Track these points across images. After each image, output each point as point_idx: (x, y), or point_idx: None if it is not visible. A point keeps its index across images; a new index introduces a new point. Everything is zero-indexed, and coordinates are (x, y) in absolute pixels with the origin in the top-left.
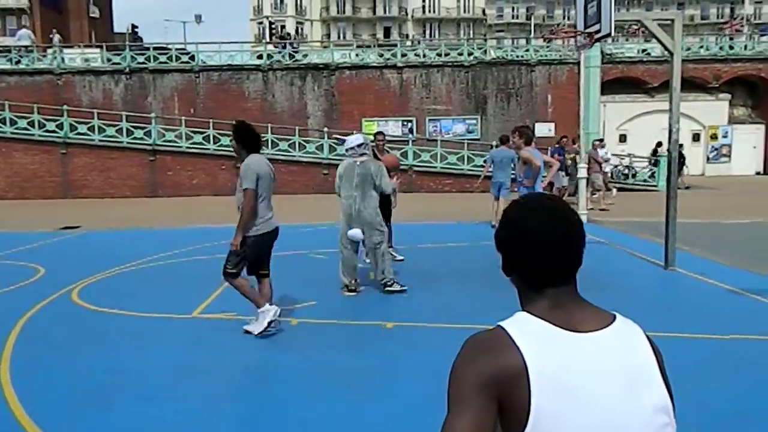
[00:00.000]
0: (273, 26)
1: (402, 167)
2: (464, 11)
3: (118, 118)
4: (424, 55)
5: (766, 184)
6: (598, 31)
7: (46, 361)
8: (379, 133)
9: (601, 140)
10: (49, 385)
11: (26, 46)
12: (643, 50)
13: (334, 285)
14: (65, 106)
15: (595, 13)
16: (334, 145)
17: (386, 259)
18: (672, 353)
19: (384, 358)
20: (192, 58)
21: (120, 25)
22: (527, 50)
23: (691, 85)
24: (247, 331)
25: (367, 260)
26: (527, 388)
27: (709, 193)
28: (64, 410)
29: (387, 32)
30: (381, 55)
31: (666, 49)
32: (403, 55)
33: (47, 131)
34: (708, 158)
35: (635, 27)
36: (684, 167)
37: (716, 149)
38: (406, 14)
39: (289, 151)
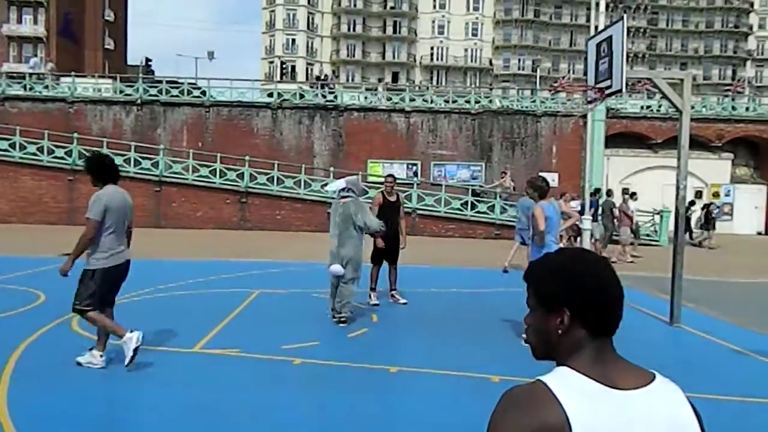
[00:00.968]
0: (284, 66)
1: (406, 210)
2: (471, 60)
3: (127, 147)
4: (432, 101)
5: (767, 245)
6: (609, 87)
7: (44, 391)
8: (390, 175)
9: (633, 194)
10: (46, 415)
11: (39, 73)
12: (647, 106)
13: (337, 325)
14: (75, 134)
15: (607, 69)
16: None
17: (350, 296)
18: None
19: (387, 404)
20: (203, 93)
21: (134, 58)
22: (533, 101)
23: (694, 143)
24: (78, 363)
25: (401, 300)
26: None
27: (712, 250)
28: None
29: (395, 77)
30: (389, 99)
31: (675, 107)
32: (411, 100)
33: (56, 157)
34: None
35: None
36: (713, 227)
37: (718, 207)
38: (415, 60)
39: (295, 189)
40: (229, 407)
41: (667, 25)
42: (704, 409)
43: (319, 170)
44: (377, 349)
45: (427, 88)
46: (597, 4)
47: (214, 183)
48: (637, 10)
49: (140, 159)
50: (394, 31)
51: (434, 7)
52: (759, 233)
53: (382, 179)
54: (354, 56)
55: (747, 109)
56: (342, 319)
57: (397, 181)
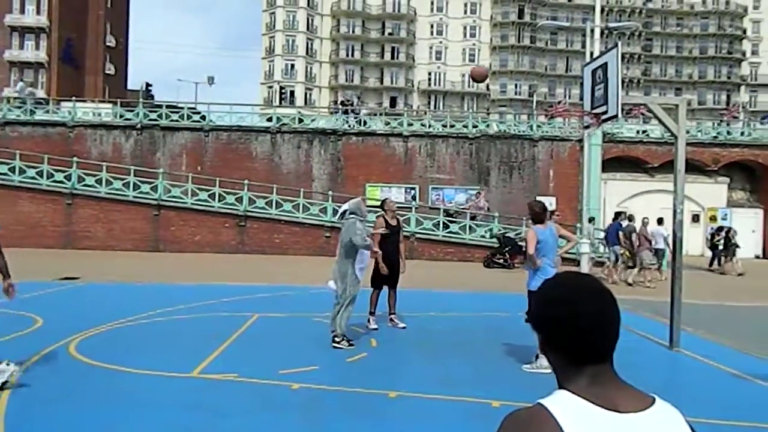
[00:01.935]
0: (283, 90)
1: (405, 234)
2: (468, 86)
3: (126, 171)
4: (430, 126)
5: (766, 268)
6: (605, 113)
7: (42, 416)
8: (386, 199)
9: (660, 220)
10: None
11: (34, 98)
12: (643, 131)
13: (336, 350)
14: (75, 158)
15: (602, 96)
16: (336, 208)
17: (342, 319)
18: None
19: (386, 429)
20: (203, 117)
21: (134, 83)
22: (530, 126)
23: (690, 167)
24: None
25: (400, 325)
26: None
27: (710, 274)
28: None
29: (393, 102)
30: (387, 123)
31: (670, 132)
32: (409, 125)
33: (55, 181)
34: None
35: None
36: (734, 253)
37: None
38: (413, 86)
39: (293, 213)
40: None
41: (662, 51)
42: None
43: (318, 194)
44: (376, 373)
45: (425, 113)
46: (592, 31)
47: (213, 207)
48: (631, 37)
49: (139, 183)
50: (392, 57)
51: (432, 33)
52: (757, 256)
53: (381, 203)
54: (352, 81)
55: (742, 133)
56: (335, 338)
57: (397, 204)
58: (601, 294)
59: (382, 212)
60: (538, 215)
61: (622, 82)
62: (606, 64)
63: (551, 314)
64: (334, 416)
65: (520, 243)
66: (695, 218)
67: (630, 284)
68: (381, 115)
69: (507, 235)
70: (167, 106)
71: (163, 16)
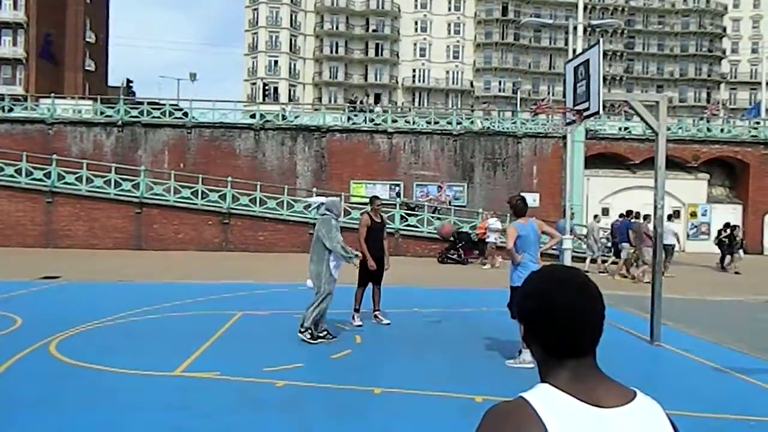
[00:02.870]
0: (266, 87)
1: (389, 231)
2: (453, 83)
3: (107, 169)
4: (414, 122)
5: (744, 263)
6: (587, 109)
7: (23, 417)
8: (375, 197)
9: (671, 216)
10: None
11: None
12: (625, 128)
13: (321, 347)
14: (54, 156)
15: (584, 92)
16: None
17: (314, 312)
18: None
19: (371, 426)
20: (185, 114)
21: (115, 79)
22: (514, 122)
23: (671, 163)
24: None
25: (384, 321)
26: None
27: (691, 269)
28: None
29: (377, 98)
30: (371, 120)
31: (651, 128)
32: (394, 121)
33: (34, 179)
34: (688, 235)
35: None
36: (740, 251)
37: (696, 226)
38: (397, 82)
39: (277, 210)
40: (212, 431)
41: (644, 49)
42: (683, 426)
43: (302, 191)
44: (361, 370)
45: (410, 110)
46: (575, 29)
47: (196, 204)
48: (614, 34)
49: (121, 180)
50: (377, 54)
51: (416, 30)
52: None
53: (367, 200)
54: (336, 78)
55: (722, 130)
56: (301, 331)
57: (383, 202)
58: (582, 288)
59: (369, 209)
60: (519, 210)
61: (605, 79)
62: (588, 61)
63: (531, 307)
64: (318, 413)
65: (474, 238)
66: (676, 214)
67: (633, 279)
68: (365, 111)
69: (461, 230)
70: (149, 103)
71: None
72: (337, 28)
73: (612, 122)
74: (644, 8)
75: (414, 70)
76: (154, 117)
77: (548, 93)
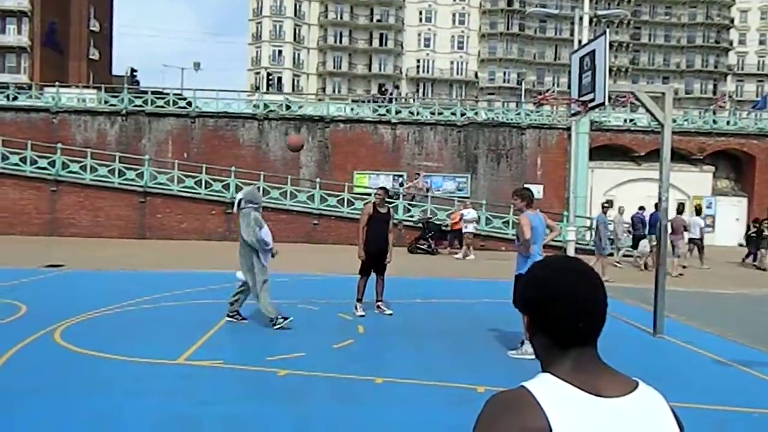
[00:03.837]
0: (270, 77)
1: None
2: (457, 73)
3: (111, 158)
4: (418, 113)
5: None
6: (592, 100)
7: (27, 404)
8: (381, 188)
9: (698, 210)
10: (28, 427)
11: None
12: (630, 120)
13: (323, 336)
14: (59, 144)
15: (590, 83)
16: (324, 196)
17: (266, 300)
18: None
19: (372, 415)
20: (189, 103)
21: (119, 68)
22: (518, 113)
23: (676, 156)
24: None
25: (387, 311)
26: None
27: (696, 262)
28: None
29: (380, 88)
30: (375, 111)
31: (657, 120)
32: (397, 112)
33: (39, 168)
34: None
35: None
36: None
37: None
38: (401, 73)
39: (281, 200)
40: (214, 419)
41: (650, 40)
42: (686, 418)
43: (306, 181)
44: (363, 359)
45: (413, 100)
46: (581, 19)
47: (200, 194)
48: (620, 25)
49: (124, 170)
50: (381, 44)
51: (420, 20)
52: (740, 245)
53: (374, 191)
54: (340, 68)
55: (728, 122)
56: (275, 324)
57: (389, 193)
58: (585, 275)
59: (373, 199)
60: (531, 200)
61: (610, 70)
62: (594, 51)
63: (537, 294)
64: (321, 402)
65: (444, 228)
66: (681, 207)
67: (674, 276)
68: (369, 102)
69: (431, 220)
70: (153, 92)
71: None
72: (341, 17)
73: (617, 114)
74: None
75: (418, 61)
76: (157, 106)
77: (553, 84)
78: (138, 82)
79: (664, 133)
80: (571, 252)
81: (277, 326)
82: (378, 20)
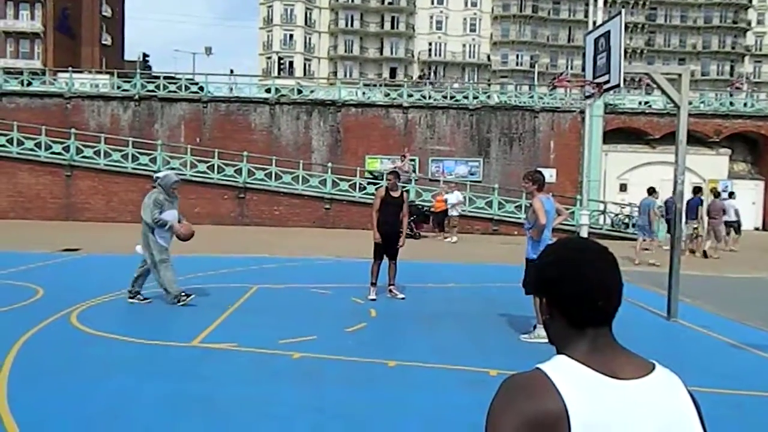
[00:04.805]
0: (281, 61)
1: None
2: (469, 56)
3: (125, 143)
4: (430, 97)
5: (766, 240)
6: (607, 82)
7: (44, 385)
8: (392, 172)
9: (732, 193)
10: (46, 409)
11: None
12: (645, 102)
13: (336, 320)
14: (73, 129)
15: (605, 65)
16: (336, 180)
17: (166, 278)
18: None
19: (385, 398)
20: (201, 88)
21: (131, 53)
22: (531, 97)
23: (692, 138)
24: None
25: (399, 295)
26: None
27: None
28: None
29: (393, 72)
30: (387, 95)
31: (673, 102)
32: (409, 96)
33: (53, 153)
34: (708, 211)
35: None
36: None
37: None
38: (413, 56)
39: (293, 185)
40: (228, 401)
41: (666, 20)
42: (701, 401)
43: (317, 166)
44: (375, 343)
45: (425, 84)
46: (595, 0)
47: (212, 179)
48: (635, 6)
49: (138, 155)
50: (392, 27)
51: (432, 2)
52: (756, 228)
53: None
54: (352, 52)
55: (745, 104)
56: (178, 302)
57: (400, 177)
58: (602, 254)
59: (386, 184)
60: (542, 183)
61: (625, 52)
62: (609, 32)
63: (554, 274)
64: (334, 385)
65: (426, 212)
66: (697, 190)
67: (706, 256)
68: (380, 86)
69: (413, 203)
70: (165, 77)
71: None
72: (352, 0)
73: (632, 96)
74: None
75: (430, 44)
76: (170, 91)
77: (567, 66)
78: (150, 68)
79: (680, 115)
80: (584, 236)
81: (182, 303)
82: (389, 3)
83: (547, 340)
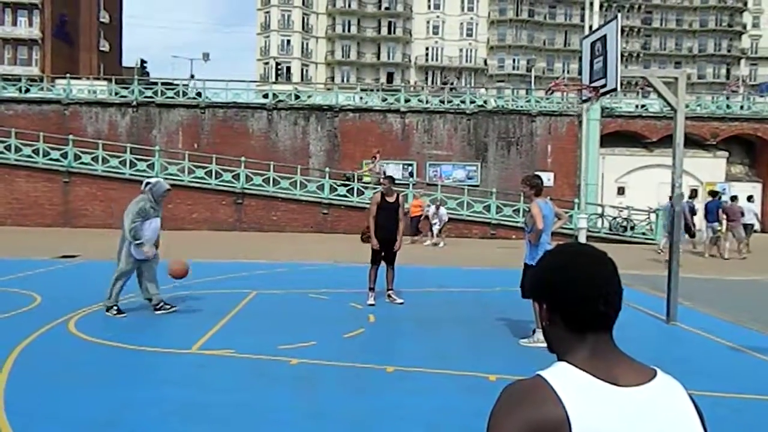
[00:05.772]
0: (279, 67)
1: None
2: (466, 61)
3: (122, 149)
4: (427, 101)
5: (763, 242)
6: (604, 86)
7: (42, 392)
8: (387, 177)
9: (750, 197)
10: (44, 416)
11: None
12: (642, 105)
13: (334, 325)
14: (71, 136)
15: (601, 68)
16: (334, 185)
17: (116, 288)
18: None
19: (384, 404)
20: (198, 94)
21: (129, 60)
22: (528, 101)
23: (689, 141)
24: None
25: (398, 300)
26: None
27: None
28: None
29: (390, 77)
30: (384, 99)
31: (670, 105)
32: (406, 100)
33: (51, 159)
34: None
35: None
36: None
37: None
38: (410, 61)
39: (290, 190)
40: (226, 408)
41: (662, 24)
42: (700, 404)
43: (315, 171)
44: (374, 349)
45: (422, 89)
46: (591, 4)
47: (210, 184)
48: (631, 10)
49: (135, 161)
50: (389, 32)
51: (429, 7)
52: (755, 230)
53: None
54: (349, 57)
55: (741, 107)
56: (107, 309)
57: (395, 181)
58: (602, 259)
59: (382, 188)
60: (540, 188)
61: (622, 56)
62: (605, 36)
63: (555, 279)
64: (332, 391)
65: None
66: (694, 193)
67: (726, 258)
68: (378, 90)
69: None
70: (163, 83)
71: None
72: (349, 6)
73: (628, 100)
74: None
75: (427, 49)
76: (168, 97)
77: (563, 71)
78: (148, 74)
79: (677, 118)
80: (582, 239)
81: (108, 312)
82: (386, 8)
83: (546, 346)
